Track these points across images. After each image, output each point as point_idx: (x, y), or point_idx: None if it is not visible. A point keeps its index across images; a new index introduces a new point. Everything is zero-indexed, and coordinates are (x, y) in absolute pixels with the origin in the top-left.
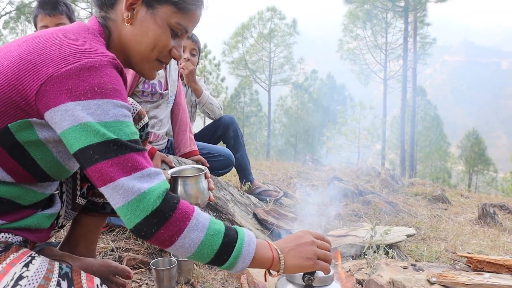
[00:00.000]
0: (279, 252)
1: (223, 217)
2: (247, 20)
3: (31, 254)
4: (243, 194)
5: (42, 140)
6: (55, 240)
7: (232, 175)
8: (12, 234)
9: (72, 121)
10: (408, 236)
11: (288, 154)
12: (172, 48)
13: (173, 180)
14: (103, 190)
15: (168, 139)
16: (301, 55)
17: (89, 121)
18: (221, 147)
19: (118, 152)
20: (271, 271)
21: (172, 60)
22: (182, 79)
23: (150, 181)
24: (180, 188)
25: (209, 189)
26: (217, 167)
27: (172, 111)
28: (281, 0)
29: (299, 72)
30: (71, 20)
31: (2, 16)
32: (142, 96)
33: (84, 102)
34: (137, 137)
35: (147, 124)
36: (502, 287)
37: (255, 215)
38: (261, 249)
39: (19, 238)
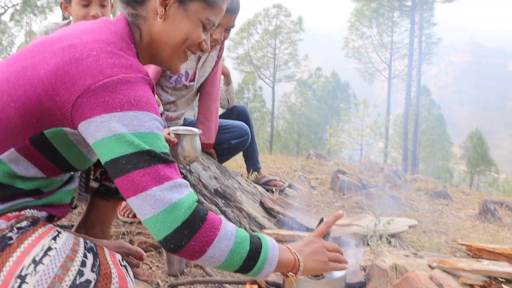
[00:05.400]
0: (298, 256)
1: (231, 204)
2: (252, 17)
3: (57, 229)
4: (250, 183)
5: (73, 142)
6: (68, 224)
7: (238, 167)
8: (37, 210)
9: (107, 132)
10: (410, 227)
11: (291, 150)
12: (203, 41)
13: (178, 138)
14: (132, 200)
15: (185, 119)
16: (306, 52)
17: (124, 132)
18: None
19: (151, 162)
20: (289, 273)
21: (213, 53)
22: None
23: (181, 192)
24: (184, 144)
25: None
26: (233, 136)
27: (200, 99)
28: None
29: (303, 69)
30: None
31: (8, 8)
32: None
33: (120, 114)
34: (167, 150)
35: (161, 114)
36: (500, 273)
37: (261, 204)
38: (283, 253)
39: (44, 214)
